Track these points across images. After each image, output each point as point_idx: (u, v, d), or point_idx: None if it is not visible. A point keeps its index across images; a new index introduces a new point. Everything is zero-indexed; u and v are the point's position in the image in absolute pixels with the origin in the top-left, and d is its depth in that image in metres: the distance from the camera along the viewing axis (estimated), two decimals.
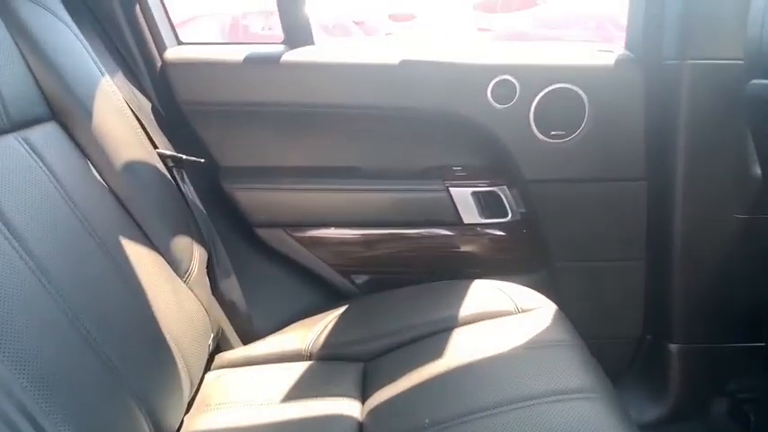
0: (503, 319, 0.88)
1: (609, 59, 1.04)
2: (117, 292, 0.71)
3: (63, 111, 0.77)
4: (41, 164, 0.69)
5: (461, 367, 0.77)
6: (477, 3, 6.78)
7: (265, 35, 6.24)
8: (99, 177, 0.79)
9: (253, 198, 1.10)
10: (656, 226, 1.12)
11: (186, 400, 0.79)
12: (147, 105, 1.01)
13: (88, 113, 0.80)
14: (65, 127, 0.78)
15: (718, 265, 1.11)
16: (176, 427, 0.76)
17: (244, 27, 6.37)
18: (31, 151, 0.69)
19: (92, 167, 0.79)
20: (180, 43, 1.11)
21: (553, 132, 1.06)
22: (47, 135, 0.73)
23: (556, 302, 0.97)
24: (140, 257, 0.78)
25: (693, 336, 1.17)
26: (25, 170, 0.66)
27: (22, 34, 0.74)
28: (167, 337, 0.75)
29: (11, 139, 0.67)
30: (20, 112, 0.70)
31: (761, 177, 1.01)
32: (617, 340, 1.23)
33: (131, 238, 0.78)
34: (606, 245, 1.14)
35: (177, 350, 0.76)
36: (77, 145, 0.78)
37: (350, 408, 0.78)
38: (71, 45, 0.83)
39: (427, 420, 0.67)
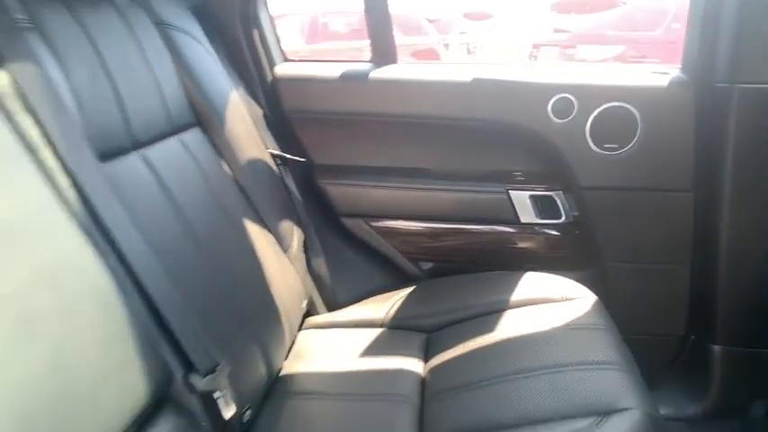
0: (548, 305, 1.02)
1: (662, 81, 1.15)
2: (241, 260, 0.93)
3: (204, 118, 1.01)
4: (193, 160, 0.92)
5: (508, 339, 0.93)
6: (555, 3, 6.70)
7: (344, 33, 6.53)
8: (228, 171, 1.02)
9: (340, 192, 1.30)
10: (702, 234, 1.21)
11: (287, 349, 1.00)
12: (260, 112, 1.24)
13: (221, 121, 1.02)
14: (205, 131, 1.01)
15: (762, 272, 1.18)
16: (279, 369, 0.97)
17: (323, 25, 6.70)
18: (186, 150, 0.92)
19: (223, 163, 1.02)
20: (286, 60, 1.33)
21: (607, 145, 1.18)
22: (194, 137, 0.97)
23: (603, 299, 1.09)
24: (257, 234, 0.99)
25: (736, 338, 1.25)
26: (185, 164, 0.90)
27: (178, 59, 0.98)
28: (276, 297, 0.97)
29: (174, 141, 0.91)
30: (177, 118, 0.94)
31: None
32: (661, 338, 1.32)
33: (250, 219, 1.01)
34: (653, 249, 1.24)
35: (282, 309, 0.98)
36: (213, 145, 1.01)
37: (415, 366, 0.96)
38: (210, 66, 1.06)
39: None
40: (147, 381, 0.59)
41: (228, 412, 0.70)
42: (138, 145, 0.81)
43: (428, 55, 7.10)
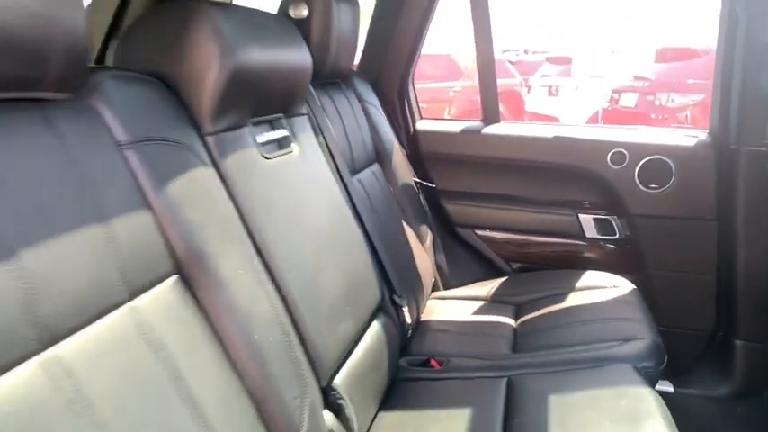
0: (600, 289, 1.52)
1: (691, 142, 1.63)
2: (401, 244, 1.51)
3: (380, 157, 1.62)
4: (377, 182, 1.53)
5: (570, 306, 1.44)
6: (637, 51, 7.03)
7: (433, 75, 7.24)
8: (392, 190, 1.62)
9: (456, 209, 1.88)
10: (725, 253, 1.63)
11: (424, 306, 1.56)
12: (404, 153, 1.84)
13: (390, 159, 1.63)
14: (381, 165, 1.62)
15: None
16: (419, 317, 1.53)
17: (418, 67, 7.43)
18: (374, 176, 1.53)
19: (389, 186, 1.62)
20: (422, 118, 1.94)
21: (650, 185, 1.67)
22: (377, 169, 1.58)
23: (648, 299, 1.53)
24: (408, 230, 1.58)
25: (755, 336, 1.64)
26: (373, 184, 1.50)
27: (369, 120, 1.60)
28: (419, 270, 1.54)
29: (368, 171, 1.52)
30: (370, 157, 1.55)
31: None
32: (695, 332, 1.73)
33: (405, 221, 1.59)
34: (686, 262, 1.68)
35: (423, 278, 1.54)
36: (384, 174, 1.62)
37: (508, 321, 1.49)
38: (383, 123, 1.68)
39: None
40: (376, 292, 1.18)
41: (408, 320, 1.28)
42: (354, 172, 1.43)
43: (510, 96, 7.62)
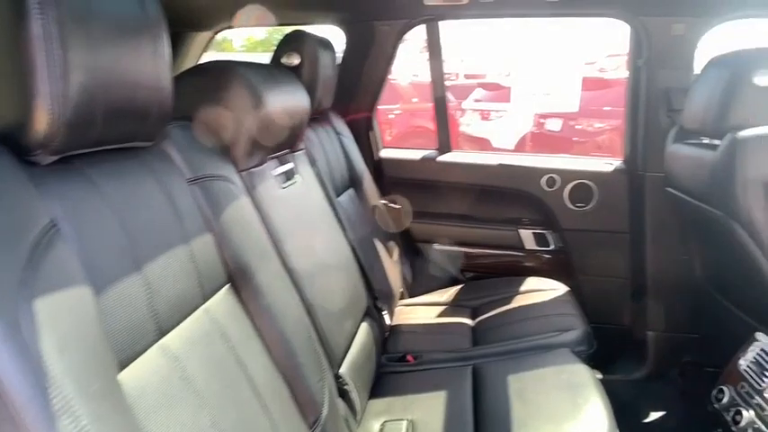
0: (540, 292, 1.82)
1: (609, 168, 1.99)
2: (377, 255, 1.74)
3: (354, 183, 1.85)
4: (359, 201, 1.76)
5: (516, 307, 1.72)
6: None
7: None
8: (365, 212, 1.85)
9: (416, 227, 2.14)
10: (636, 259, 1.99)
11: (394, 312, 1.80)
12: (371, 178, 2.08)
13: (362, 183, 1.87)
14: (355, 190, 1.85)
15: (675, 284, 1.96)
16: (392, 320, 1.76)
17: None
18: (352, 201, 1.76)
19: (363, 207, 1.85)
20: (384, 147, 2.20)
21: (577, 204, 2.01)
22: (351, 194, 1.81)
23: (579, 300, 1.82)
24: (380, 245, 1.81)
25: (662, 327, 2.00)
26: (355, 210, 1.73)
27: (345, 150, 1.83)
28: (392, 282, 1.77)
29: (346, 195, 1.74)
30: (347, 182, 1.78)
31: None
32: (617, 327, 2.07)
33: (377, 239, 1.83)
34: (606, 268, 2.03)
35: (395, 289, 1.78)
36: (360, 196, 1.85)
37: (467, 320, 1.75)
38: (354, 151, 1.91)
39: None
40: (364, 298, 1.41)
41: (387, 322, 1.51)
42: (337, 196, 1.65)
43: None
